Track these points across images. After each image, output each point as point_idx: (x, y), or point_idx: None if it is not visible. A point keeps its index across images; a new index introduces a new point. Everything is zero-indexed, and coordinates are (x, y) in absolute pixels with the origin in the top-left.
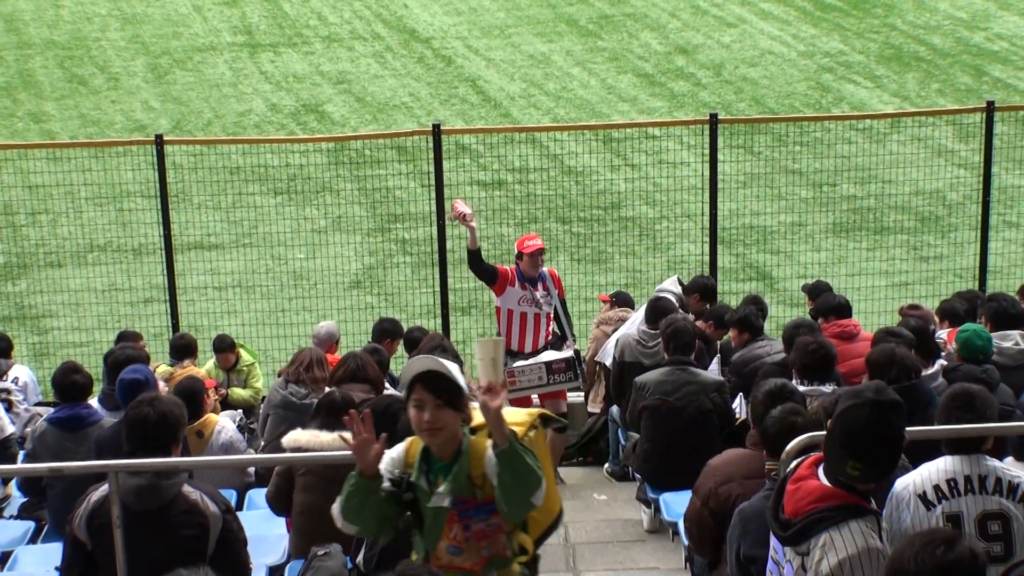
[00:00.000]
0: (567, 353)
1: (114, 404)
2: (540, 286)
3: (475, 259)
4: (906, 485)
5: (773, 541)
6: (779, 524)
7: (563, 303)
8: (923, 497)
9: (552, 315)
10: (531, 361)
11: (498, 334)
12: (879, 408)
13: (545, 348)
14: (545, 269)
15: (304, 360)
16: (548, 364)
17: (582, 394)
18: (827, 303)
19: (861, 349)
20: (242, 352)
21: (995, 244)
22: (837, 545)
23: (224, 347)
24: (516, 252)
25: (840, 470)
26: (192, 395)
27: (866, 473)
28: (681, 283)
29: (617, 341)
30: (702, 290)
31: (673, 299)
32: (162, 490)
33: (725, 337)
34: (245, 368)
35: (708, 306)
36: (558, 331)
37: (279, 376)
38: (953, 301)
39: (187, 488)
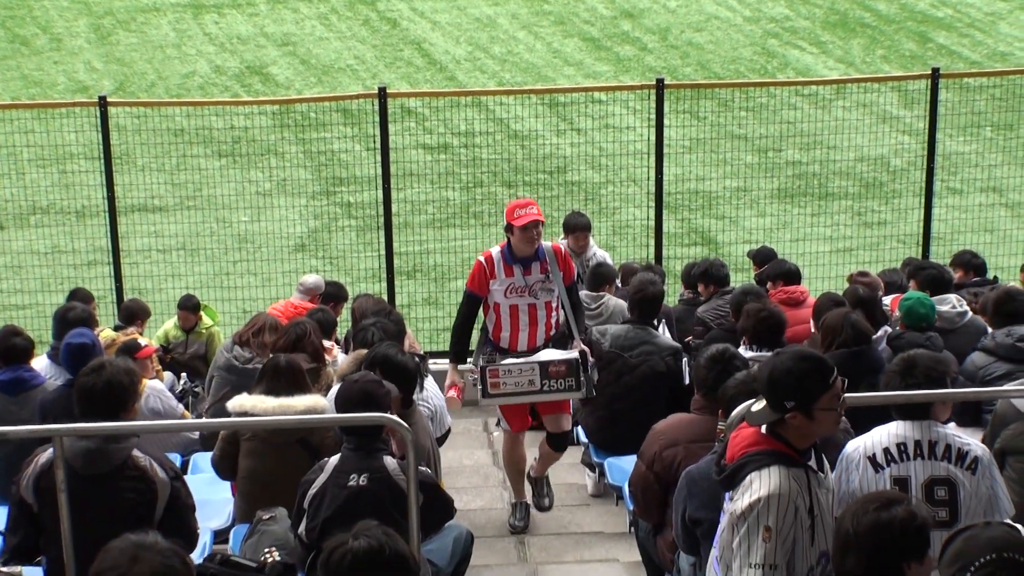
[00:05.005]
0: (571, 354)
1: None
2: (537, 268)
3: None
4: (856, 447)
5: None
6: (718, 469)
7: (571, 289)
8: (872, 459)
9: (556, 304)
10: (523, 360)
11: (483, 328)
12: None
13: (547, 346)
14: (548, 244)
15: (256, 324)
16: (543, 365)
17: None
18: (777, 268)
19: (806, 315)
20: (203, 315)
21: (938, 210)
22: (753, 486)
23: (189, 306)
24: (505, 223)
25: None
26: (129, 354)
27: None
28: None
29: None
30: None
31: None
32: (110, 454)
33: (672, 303)
34: (204, 331)
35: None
36: (564, 326)
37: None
38: (892, 272)
39: (136, 453)
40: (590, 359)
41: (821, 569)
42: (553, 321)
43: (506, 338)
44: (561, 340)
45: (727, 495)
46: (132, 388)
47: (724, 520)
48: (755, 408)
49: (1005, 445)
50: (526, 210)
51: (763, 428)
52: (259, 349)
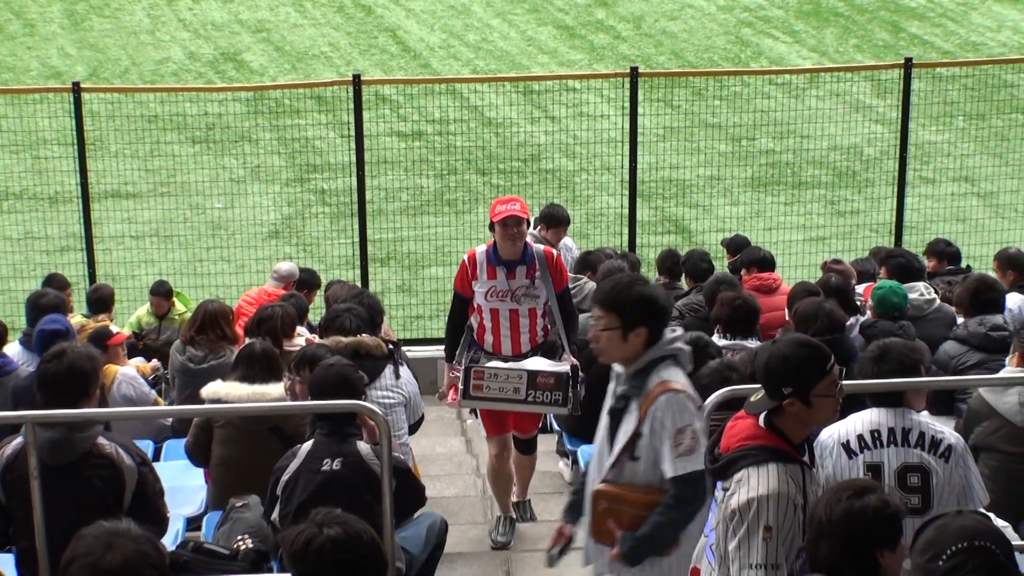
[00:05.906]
0: (562, 367)
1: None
2: (523, 272)
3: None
4: (831, 434)
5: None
6: (711, 458)
7: (563, 298)
8: (846, 446)
9: (543, 311)
10: (512, 365)
11: (468, 326)
12: None
13: (534, 353)
14: (540, 247)
15: (196, 319)
16: (532, 375)
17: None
18: (751, 255)
19: (780, 302)
20: (176, 302)
21: (911, 200)
22: (751, 483)
23: (161, 292)
24: (489, 222)
25: None
26: (100, 342)
27: None
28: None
29: None
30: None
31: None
32: (75, 443)
33: None
34: (177, 317)
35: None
36: (554, 335)
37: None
38: (865, 261)
39: (102, 440)
40: (580, 375)
41: (801, 563)
42: (539, 329)
43: (490, 341)
44: (550, 349)
45: (719, 483)
46: (94, 374)
47: (715, 510)
48: (753, 398)
49: (978, 442)
50: (508, 206)
51: (761, 420)
52: (209, 344)
